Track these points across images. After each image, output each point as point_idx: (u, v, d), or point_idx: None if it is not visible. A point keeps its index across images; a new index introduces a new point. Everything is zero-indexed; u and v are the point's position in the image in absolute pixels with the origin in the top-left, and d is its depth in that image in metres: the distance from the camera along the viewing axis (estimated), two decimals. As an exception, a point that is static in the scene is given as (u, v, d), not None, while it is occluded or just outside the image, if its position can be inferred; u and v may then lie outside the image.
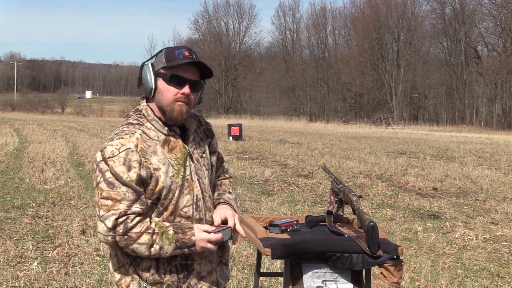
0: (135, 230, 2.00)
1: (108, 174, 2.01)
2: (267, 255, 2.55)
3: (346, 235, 2.68)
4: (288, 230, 2.77)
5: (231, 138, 22.11)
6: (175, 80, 2.12)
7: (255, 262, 4.13)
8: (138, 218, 2.01)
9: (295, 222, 2.84)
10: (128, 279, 2.12)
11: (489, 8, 55.64)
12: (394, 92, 57.02)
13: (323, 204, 8.52)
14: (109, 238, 2.00)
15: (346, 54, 64.25)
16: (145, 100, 2.21)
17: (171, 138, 2.16)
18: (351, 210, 2.78)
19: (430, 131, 40.66)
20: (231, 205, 2.32)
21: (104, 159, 2.02)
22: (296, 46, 68.98)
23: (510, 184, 11.24)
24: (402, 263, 2.57)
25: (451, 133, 37.87)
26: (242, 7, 70.36)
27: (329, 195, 2.91)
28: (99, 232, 2.03)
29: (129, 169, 2.01)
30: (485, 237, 6.82)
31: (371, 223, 2.50)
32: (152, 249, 2.02)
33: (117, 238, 2.00)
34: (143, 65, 2.17)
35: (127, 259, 2.12)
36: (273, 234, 2.72)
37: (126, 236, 1.99)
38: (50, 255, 5.58)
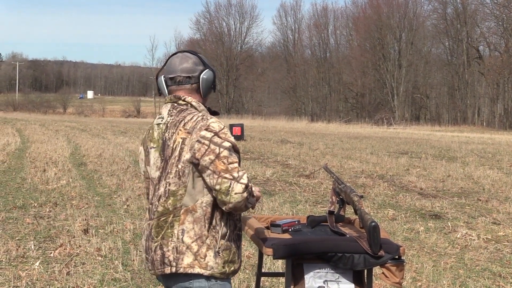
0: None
1: (226, 144, 2.35)
2: (268, 255, 2.55)
3: (347, 235, 2.68)
4: (290, 230, 2.77)
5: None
6: None
7: (256, 262, 4.12)
8: None
9: (296, 222, 2.84)
10: (204, 249, 2.36)
11: (491, 8, 55.54)
12: (396, 92, 56.97)
13: (324, 204, 8.51)
14: (245, 194, 2.30)
15: (347, 54, 64.18)
16: (186, 95, 2.52)
17: None
18: (352, 210, 2.78)
19: (432, 131, 40.61)
20: None
21: (216, 133, 2.36)
22: (297, 46, 68.92)
23: (512, 184, 11.22)
24: (404, 263, 2.57)
25: (453, 133, 37.82)
26: (244, 7, 70.43)
27: (331, 195, 2.91)
28: (236, 193, 2.28)
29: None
30: (487, 237, 6.81)
31: (373, 223, 2.50)
32: (251, 198, 2.38)
33: (250, 190, 2.33)
34: (215, 74, 2.59)
35: (205, 230, 2.36)
36: (274, 234, 2.72)
37: (250, 189, 2.34)
38: (52, 255, 5.58)
